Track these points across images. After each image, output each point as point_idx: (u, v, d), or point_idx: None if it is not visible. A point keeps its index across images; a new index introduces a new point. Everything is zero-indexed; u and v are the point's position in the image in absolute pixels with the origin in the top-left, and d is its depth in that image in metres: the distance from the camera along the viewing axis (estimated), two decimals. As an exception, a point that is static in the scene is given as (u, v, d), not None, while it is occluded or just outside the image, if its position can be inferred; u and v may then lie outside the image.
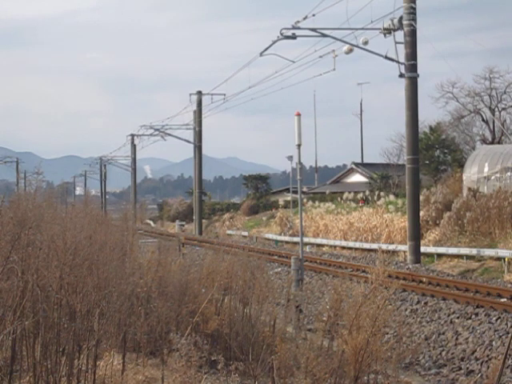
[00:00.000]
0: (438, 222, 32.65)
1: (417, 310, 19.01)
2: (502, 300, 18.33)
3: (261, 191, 64.53)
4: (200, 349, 9.93)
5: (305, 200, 49.74)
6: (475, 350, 14.89)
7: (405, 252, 29.69)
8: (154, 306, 12.00)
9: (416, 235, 28.31)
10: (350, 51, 28.17)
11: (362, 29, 28.30)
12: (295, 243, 38.50)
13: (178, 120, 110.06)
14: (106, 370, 10.13)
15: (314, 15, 27.87)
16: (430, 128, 50.64)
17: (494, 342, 15.02)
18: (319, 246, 38.72)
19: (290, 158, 39.61)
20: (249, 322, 13.16)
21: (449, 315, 17.65)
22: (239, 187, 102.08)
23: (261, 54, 31.11)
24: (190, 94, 56.25)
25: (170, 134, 61.81)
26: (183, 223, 60.35)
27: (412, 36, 27.80)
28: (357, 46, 28.12)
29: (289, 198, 51.33)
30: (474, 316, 17.04)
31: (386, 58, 28.15)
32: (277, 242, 43.54)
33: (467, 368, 14.08)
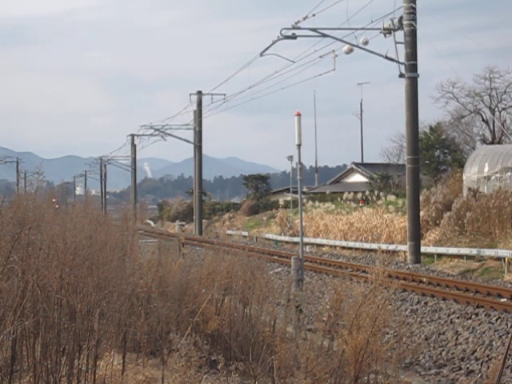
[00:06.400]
0: (438, 222, 32.64)
1: (417, 309, 19.02)
2: (502, 300, 18.34)
3: (261, 191, 64.50)
4: (200, 349, 9.93)
5: (305, 200, 49.73)
6: (475, 350, 14.90)
7: (405, 252, 29.69)
8: (154, 306, 12.01)
9: (416, 235, 28.32)
10: (350, 51, 28.17)
11: (362, 29, 28.32)
12: (295, 243, 38.50)
13: (178, 120, 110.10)
14: (106, 369, 10.14)
15: (314, 15, 27.91)
16: (430, 128, 50.64)
17: (494, 342, 15.03)
18: (319, 246, 38.72)
19: (290, 157, 39.58)
20: (249, 322, 13.16)
21: (449, 315, 17.66)
22: (239, 187, 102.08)
23: (261, 54, 31.13)
24: (190, 94, 56.32)
25: (170, 134, 61.90)
26: (183, 223, 60.33)
27: (412, 36, 27.81)
28: (357, 46, 28.13)
29: (289, 198, 51.32)
30: (474, 316, 17.05)
31: (386, 58, 28.16)
32: (277, 242, 43.53)
33: (467, 368, 14.09)
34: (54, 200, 28.39)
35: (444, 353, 15.30)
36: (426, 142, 48.04)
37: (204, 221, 59.18)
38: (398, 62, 28.01)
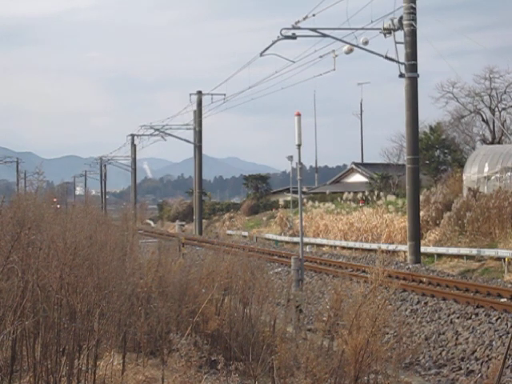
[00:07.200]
0: (438, 222, 32.64)
1: (417, 310, 19.02)
2: (502, 300, 18.34)
3: (261, 191, 64.51)
4: (200, 349, 9.93)
5: (305, 200, 49.72)
6: (475, 350, 14.90)
7: (405, 252, 29.69)
8: (154, 305, 12.01)
9: (416, 235, 28.31)
10: (350, 51, 28.16)
11: (362, 29, 28.31)
12: (295, 243, 38.49)
13: (178, 120, 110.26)
14: (106, 369, 10.13)
15: (314, 15, 27.91)
16: (430, 128, 50.64)
17: (494, 342, 15.03)
18: (319, 246, 38.72)
19: (290, 157, 39.54)
20: (249, 322, 13.16)
21: (449, 315, 17.66)
22: (239, 187, 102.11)
23: (261, 54, 31.14)
24: (190, 94, 56.33)
25: (170, 134, 61.89)
26: (183, 223, 60.34)
27: (412, 36, 27.81)
28: (357, 46, 28.13)
29: (289, 198, 51.32)
30: (474, 316, 17.05)
31: (386, 58, 28.15)
32: (277, 242, 43.53)
33: (467, 368, 14.09)
34: (54, 200, 28.39)
35: (444, 353, 15.30)
36: (426, 142, 48.03)
37: (204, 221, 59.17)
38: (398, 62, 28.01)
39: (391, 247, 31.46)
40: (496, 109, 50.21)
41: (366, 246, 34.41)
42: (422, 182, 41.96)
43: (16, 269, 8.45)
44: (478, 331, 15.96)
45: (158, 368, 11.00)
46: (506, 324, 15.96)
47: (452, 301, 18.79)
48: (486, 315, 16.88)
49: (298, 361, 9.72)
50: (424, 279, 22.43)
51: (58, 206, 30.59)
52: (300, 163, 20.16)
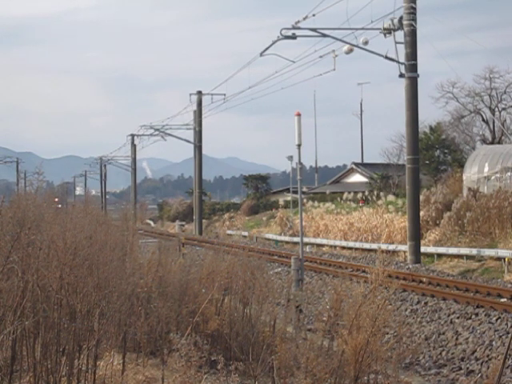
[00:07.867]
0: (438, 221, 32.64)
1: (417, 310, 19.02)
2: (502, 300, 18.34)
3: (261, 191, 64.51)
4: (200, 349, 9.92)
5: (305, 200, 49.72)
6: (475, 350, 14.90)
7: (405, 252, 29.69)
8: (154, 305, 12.01)
9: (416, 235, 28.31)
10: (350, 51, 28.16)
11: (362, 29, 28.31)
12: (295, 243, 38.49)
13: (178, 120, 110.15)
14: (106, 369, 10.13)
15: (314, 15, 27.91)
16: (430, 128, 50.63)
17: (494, 342, 15.03)
18: (319, 246, 38.71)
19: (290, 157, 39.51)
20: (249, 322, 13.16)
21: (449, 315, 17.67)
22: (239, 187, 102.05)
23: (261, 54, 31.14)
24: (190, 94, 56.33)
25: (170, 134, 61.88)
26: (183, 223, 60.18)
27: (412, 36, 27.81)
28: (357, 46, 28.12)
29: (289, 198, 51.31)
30: (474, 316, 17.05)
31: (386, 58, 28.15)
32: (277, 242, 43.52)
33: (467, 368, 14.09)
34: (56, 200, 28.37)
35: (444, 353, 15.30)
36: (426, 142, 48.03)
37: (204, 221, 59.17)
38: (398, 62, 28.01)
39: (391, 247, 31.45)
40: (496, 109, 50.20)
41: (366, 245, 34.40)
42: (422, 182, 41.95)
43: (16, 269, 8.45)
44: (478, 331, 15.96)
45: (158, 368, 11.01)
46: (506, 324, 15.96)
47: (452, 301, 18.80)
48: (486, 315, 16.88)
49: (298, 361, 9.72)
50: (424, 279, 22.43)
51: (59, 205, 30.59)
52: (300, 163, 20.16)
